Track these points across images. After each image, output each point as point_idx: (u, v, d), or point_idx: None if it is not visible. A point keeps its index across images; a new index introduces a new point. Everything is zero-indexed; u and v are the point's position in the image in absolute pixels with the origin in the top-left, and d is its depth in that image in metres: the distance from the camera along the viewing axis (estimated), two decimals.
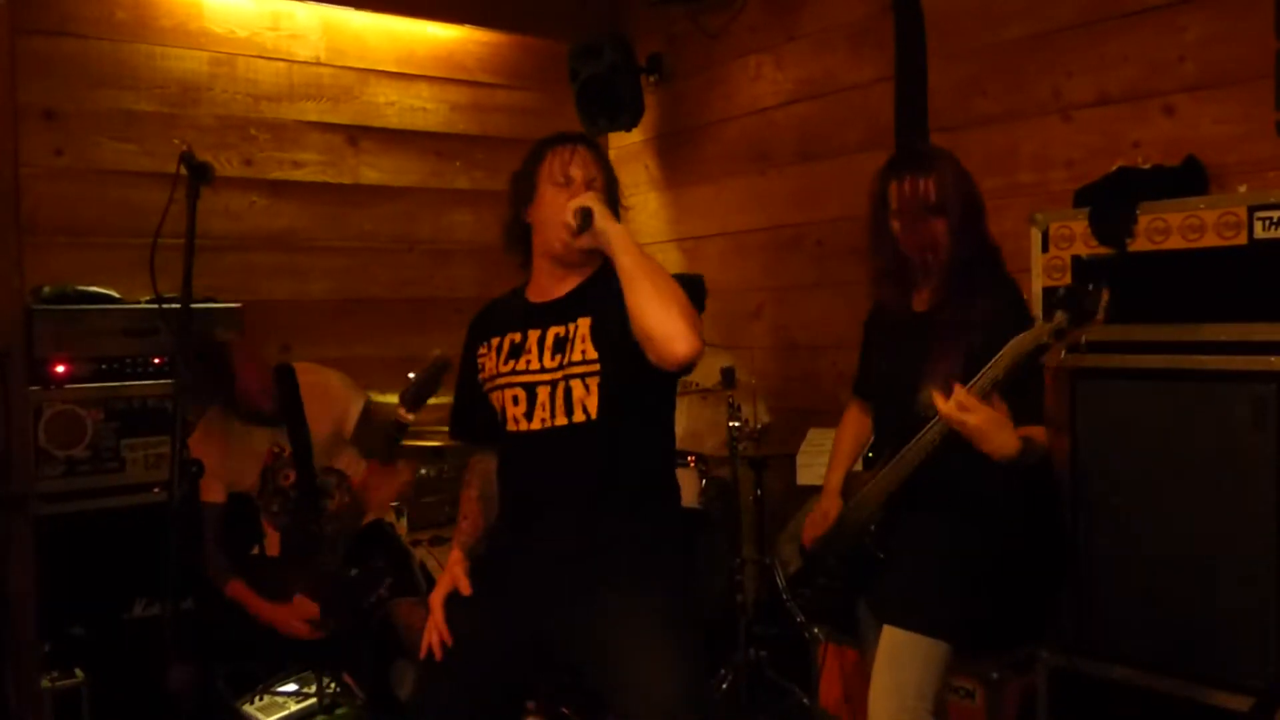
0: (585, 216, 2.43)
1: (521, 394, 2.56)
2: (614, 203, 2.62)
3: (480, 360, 2.69)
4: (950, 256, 2.65)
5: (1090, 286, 2.13)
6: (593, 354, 2.48)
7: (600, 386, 2.47)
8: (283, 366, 3.63)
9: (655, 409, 2.59)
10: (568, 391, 2.49)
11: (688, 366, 2.37)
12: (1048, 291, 3.24)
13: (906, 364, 2.65)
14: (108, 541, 3.86)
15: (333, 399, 3.66)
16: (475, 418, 2.74)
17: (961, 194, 2.69)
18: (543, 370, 2.53)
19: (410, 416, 3.25)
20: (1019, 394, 2.35)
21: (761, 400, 4.58)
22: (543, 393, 2.52)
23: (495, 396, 2.63)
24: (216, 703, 3.57)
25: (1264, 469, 2.84)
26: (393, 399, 3.43)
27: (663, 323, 2.31)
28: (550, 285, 2.62)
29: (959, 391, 2.27)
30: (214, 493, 3.56)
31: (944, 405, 2.28)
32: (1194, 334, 2.96)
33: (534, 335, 2.58)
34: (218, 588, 3.52)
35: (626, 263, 2.38)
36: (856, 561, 2.75)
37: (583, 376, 2.48)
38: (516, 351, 2.59)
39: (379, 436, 3.63)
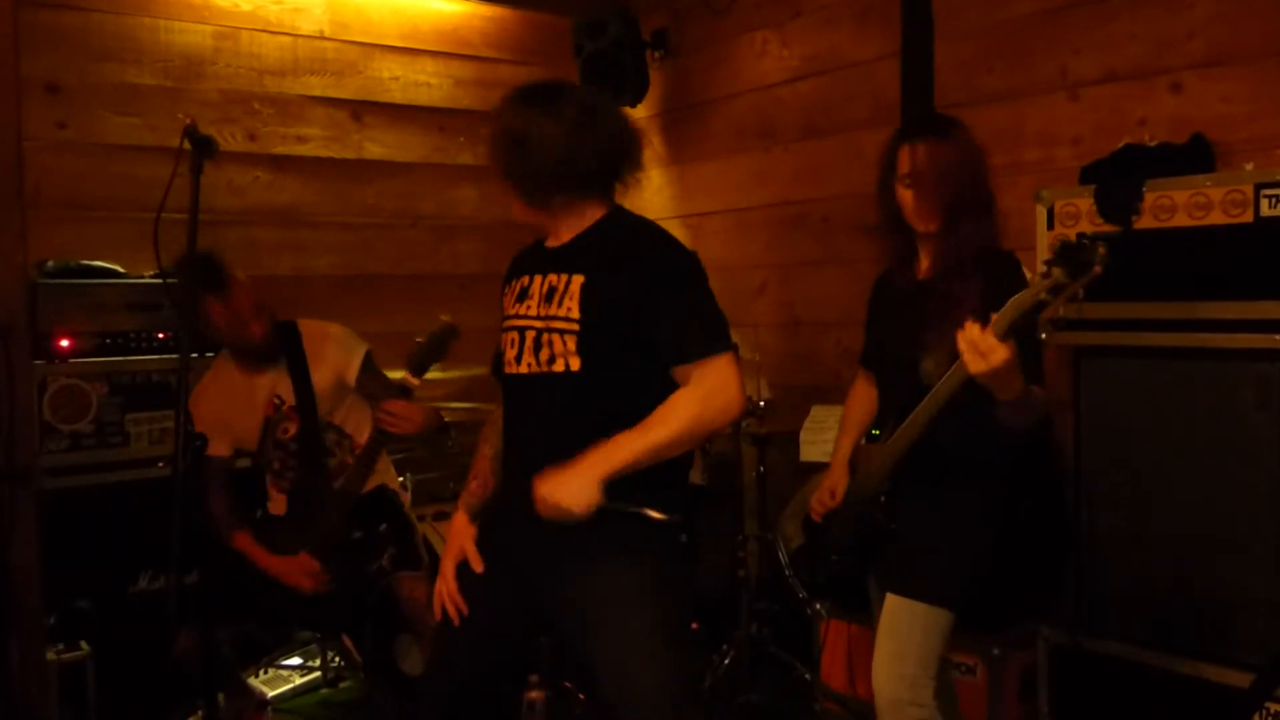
0: None
1: (516, 337, 2.55)
2: None
3: (504, 300, 2.69)
4: (955, 226, 2.60)
5: (1087, 240, 2.10)
6: (576, 313, 2.45)
7: (577, 345, 2.45)
8: (285, 323, 3.62)
9: (644, 370, 2.49)
10: (550, 342, 2.48)
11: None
12: None
13: (907, 332, 2.63)
14: (112, 515, 3.87)
15: (334, 348, 3.65)
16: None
17: (973, 164, 2.64)
18: (536, 317, 2.52)
19: (416, 381, 3.25)
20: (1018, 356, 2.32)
21: (764, 377, 4.58)
22: (530, 337, 2.51)
23: (503, 338, 2.63)
24: (222, 669, 3.59)
25: (1267, 446, 2.85)
26: (397, 375, 3.44)
27: (715, 430, 2.46)
28: (565, 230, 2.58)
29: (986, 332, 2.22)
30: (218, 447, 3.57)
31: (971, 333, 2.22)
32: (1199, 312, 2.95)
33: (537, 280, 2.55)
34: (223, 541, 3.52)
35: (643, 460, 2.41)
36: (865, 534, 2.74)
37: (561, 332, 2.46)
38: (523, 295, 2.58)
39: (381, 386, 3.62)
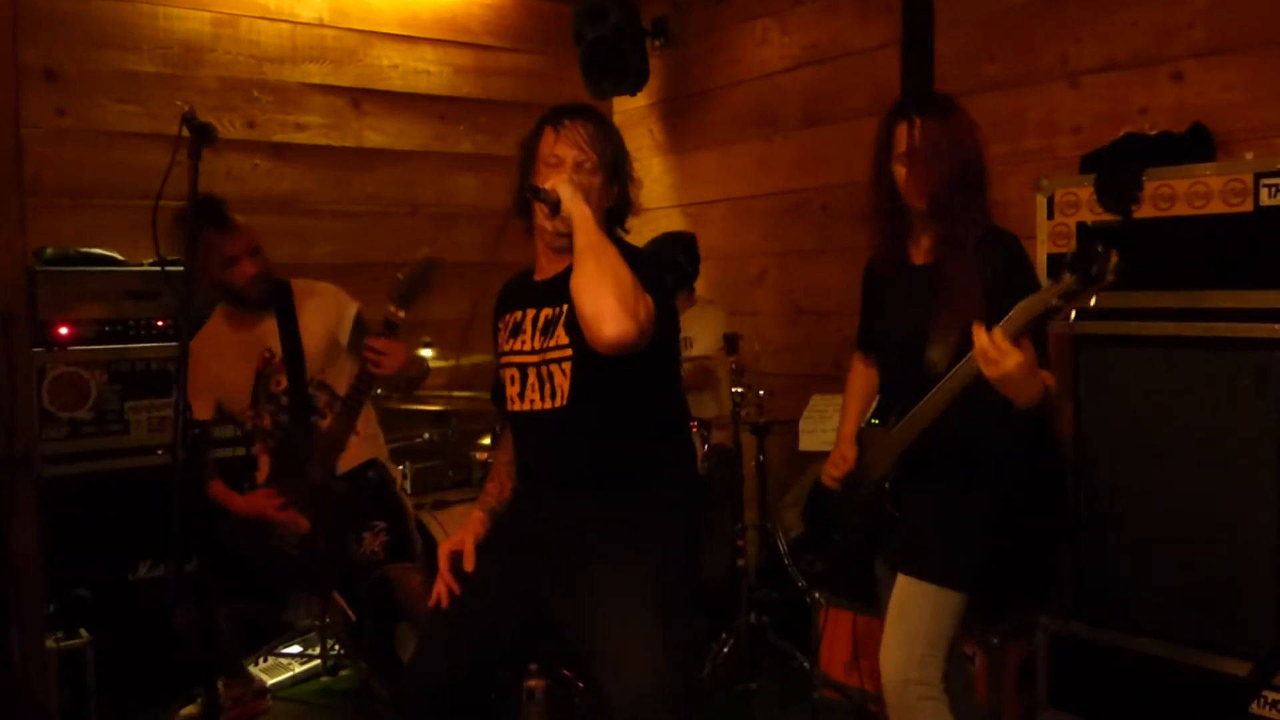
0: (553, 202, 2.42)
1: (517, 374, 2.61)
2: (619, 177, 2.61)
3: (498, 335, 2.73)
4: (949, 205, 2.56)
5: (1100, 248, 2.10)
6: (565, 339, 2.50)
7: (572, 372, 2.50)
8: (278, 281, 3.61)
9: (641, 390, 2.54)
10: (550, 375, 2.53)
11: (625, 348, 2.30)
12: (1053, 258, 3.23)
13: (911, 318, 2.61)
14: (112, 503, 3.86)
15: (327, 305, 3.64)
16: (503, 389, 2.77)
17: (969, 142, 2.61)
18: (533, 351, 2.57)
19: (401, 314, 3.26)
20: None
21: (764, 366, 4.58)
22: (532, 374, 2.57)
23: (501, 374, 2.68)
24: (221, 651, 3.59)
25: (1265, 436, 2.85)
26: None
27: (593, 302, 2.28)
28: (548, 263, 2.63)
29: (997, 335, 2.21)
30: (200, 408, 3.53)
31: (982, 340, 2.22)
32: (1198, 301, 2.95)
33: (530, 315, 2.61)
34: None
35: (579, 242, 2.36)
36: (871, 520, 2.73)
37: (559, 361, 2.51)
38: (517, 330, 2.63)
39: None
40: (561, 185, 2.42)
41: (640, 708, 2.28)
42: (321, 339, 3.60)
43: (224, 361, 3.56)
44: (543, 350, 2.54)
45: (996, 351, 2.20)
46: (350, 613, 3.80)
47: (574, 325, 2.45)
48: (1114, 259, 2.05)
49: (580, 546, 2.49)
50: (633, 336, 2.27)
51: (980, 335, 2.23)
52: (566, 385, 2.50)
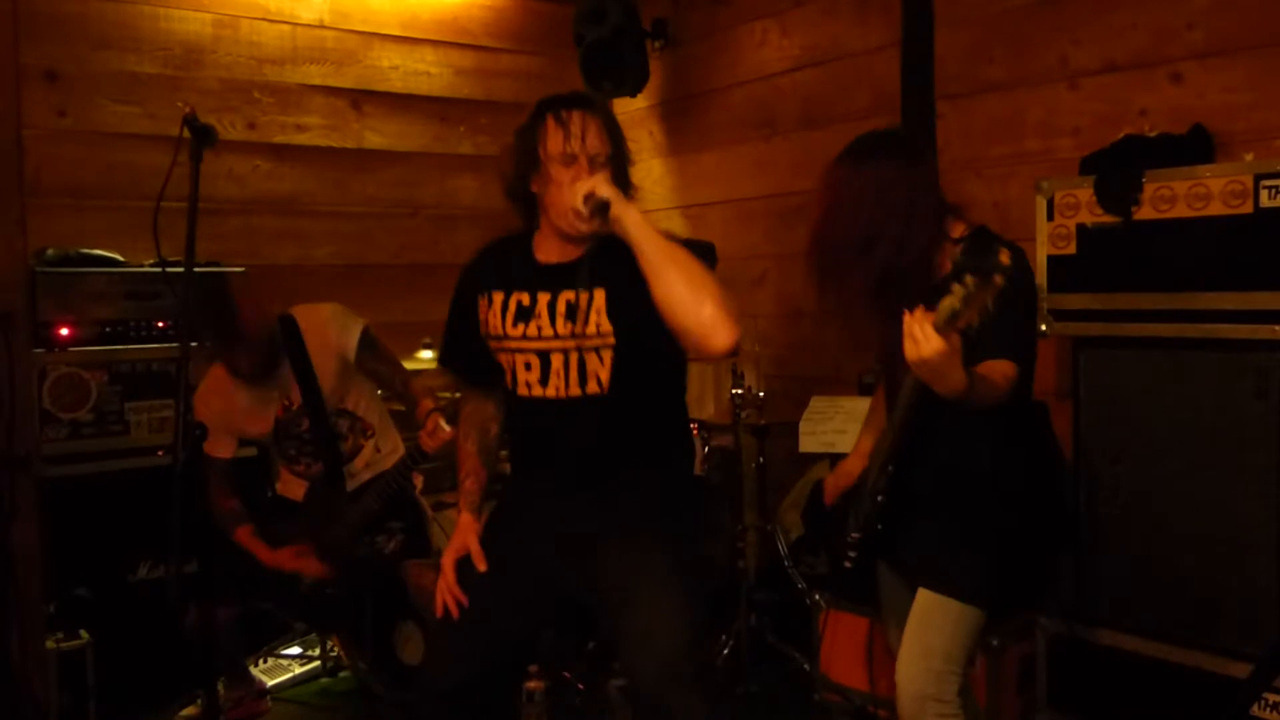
0: (599, 207, 2.38)
1: (535, 360, 2.55)
2: (623, 169, 2.57)
3: (481, 312, 2.65)
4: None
5: (992, 246, 2.03)
6: (607, 327, 2.47)
7: (614, 360, 2.48)
8: (284, 317, 3.59)
9: (668, 378, 2.61)
10: (582, 362, 2.50)
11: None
12: (1053, 260, 3.23)
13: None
14: (113, 504, 3.87)
15: (330, 331, 3.61)
16: (468, 353, 2.71)
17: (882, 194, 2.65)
18: (556, 337, 2.52)
19: (448, 429, 3.27)
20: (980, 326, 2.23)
21: (764, 368, 4.58)
22: (557, 360, 2.52)
23: (504, 358, 2.62)
24: (225, 651, 3.60)
25: (1265, 437, 2.84)
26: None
27: (698, 317, 2.29)
28: (560, 247, 2.57)
29: (921, 318, 2.11)
30: (221, 448, 3.56)
31: (905, 325, 2.13)
32: (1198, 302, 2.95)
33: (544, 299, 2.54)
34: (226, 535, 3.53)
35: (649, 252, 2.34)
36: (866, 534, 2.71)
37: (597, 349, 2.49)
38: (525, 315, 2.56)
39: (384, 362, 3.67)
40: (603, 186, 2.39)
41: (671, 673, 2.30)
42: (332, 372, 3.60)
43: (238, 412, 3.59)
44: (579, 336, 2.49)
45: (922, 332, 2.10)
46: (353, 652, 3.83)
47: (616, 313, 2.46)
48: (1005, 257, 1.97)
49: (598, 526, 2.50)
50: (738, 340, 2.32)
51: (909, 318, 2.13)
52: (606, 373, 2.48)
